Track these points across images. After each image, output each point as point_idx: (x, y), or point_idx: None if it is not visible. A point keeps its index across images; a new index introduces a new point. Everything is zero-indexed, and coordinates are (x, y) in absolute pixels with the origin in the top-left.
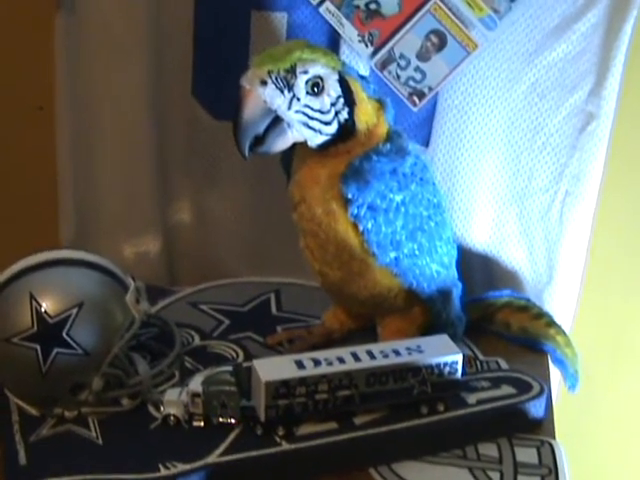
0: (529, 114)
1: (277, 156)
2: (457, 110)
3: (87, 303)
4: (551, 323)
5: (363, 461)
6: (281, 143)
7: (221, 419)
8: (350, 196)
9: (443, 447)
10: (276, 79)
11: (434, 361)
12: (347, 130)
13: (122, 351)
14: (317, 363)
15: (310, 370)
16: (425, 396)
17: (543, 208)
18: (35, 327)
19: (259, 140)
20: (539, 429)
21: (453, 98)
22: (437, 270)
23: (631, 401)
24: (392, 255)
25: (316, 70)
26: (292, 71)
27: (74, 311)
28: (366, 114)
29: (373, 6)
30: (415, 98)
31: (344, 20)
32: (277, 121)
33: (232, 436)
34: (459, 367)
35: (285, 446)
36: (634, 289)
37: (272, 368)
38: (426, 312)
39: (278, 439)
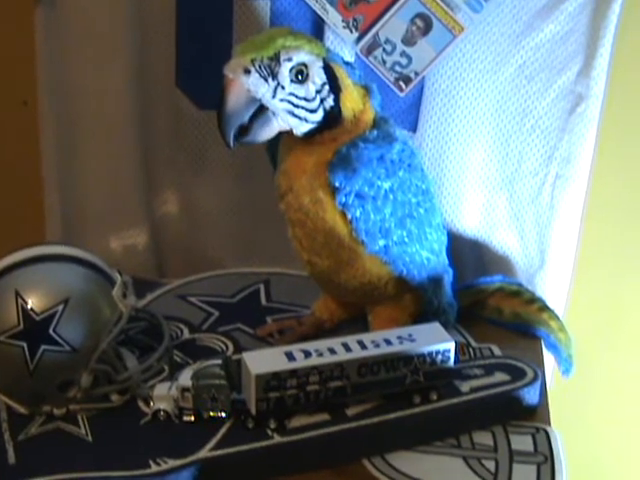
0: (517, 97)
1: (263, 146)
2: (444, 94)
3: (73, 299)
4: (544, 308)
5: (356, 452)
6: (266, 132)
7: (211, 413)
8: (337, 184)
9: (437, 436)
10: (260, 67)
11: (426, 350)
12: (333, 117)
13: (110, 346)
14: (308, 354)
15: (301, 362)
16: (418, 385)
17: (533, 192)
18: (21, 324)
19: (244, 130)
20: (534, 416)
21: (440, 82)
22: (427, 257)
23: (626, 385)
24: (381, 243)
25: (300, 57)
26: (276, 59)
27: (60, 307)
28: (352, 101)
29: None
30: (401, 83)
31: (328, 6)
32: (262, 110)
33: (223, 430)
34: (451, 355)
35: (277, 439)
36: (626, 271)
37: (262, 360)
38: (417, 300)
39: (270, 432)
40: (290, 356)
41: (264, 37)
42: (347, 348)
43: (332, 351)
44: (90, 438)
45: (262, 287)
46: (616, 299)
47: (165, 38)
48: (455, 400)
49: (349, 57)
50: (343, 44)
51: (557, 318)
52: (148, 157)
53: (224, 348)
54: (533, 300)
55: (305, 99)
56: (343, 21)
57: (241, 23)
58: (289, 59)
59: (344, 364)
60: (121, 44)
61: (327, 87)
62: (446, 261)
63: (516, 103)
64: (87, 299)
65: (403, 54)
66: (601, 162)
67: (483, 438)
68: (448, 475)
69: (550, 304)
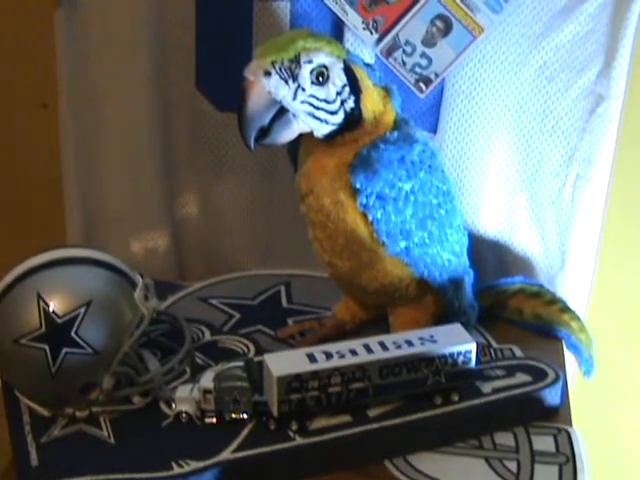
0: (538, 97)
1: (284, 147)
2: (464, 96)
3: (95, 301)
4: (565, 309)
5: (378, 454)
6: (287, 134)
7: (233, 415)
8: (358, 186)
9: (459, 437)
10: (280, 69)
11: (447, 351)
12: (354, 119)
13: (132, 349)
14: (329, 356)
15: (322, 363)
16: (439, 386)
17: (554, 192)
18: (43, 327)
19: (265, 131)
20: (555, 417)
21: (460, 84)
22: (448, 258)
23: None
24: (402, 244)
25: (320, 59)
26: (296, 61)
27: (82, 310)
28: (372, 102)
29: None
30: (422, 84)
31: (347, 7)
32: (282, 112)
33: (245, 432)
34: (473, 356)
35: (299, 441)
36: None
37: (284, 362)
38: (438, 301)
39: (292, 434)
40: (312, 358)
41: (284, 39)
42: (368, 349)
43: (354, 352)
44: (112, 440)
45: (283, 289)
46: (637, 299)
47: (185, 40)
48: (477, 401)
49: (369, 59)
50: (363, 45)
51: (578, 319)
52: (168, 159)
53: (245, 350)
54: (554, 301)
55: (326, 101)
56: (363, 22)
57: (261, 25)
58: (309, 61)
59: (366, 365)
60: (141, 46)
61: (347, 89)
62: (467, 262)
63: (536, 104)
64: (109, 302)
65: (423, 55)
66: (621, 162)
67: (505, 439)
68: (470, 476)
69: (571, 305)
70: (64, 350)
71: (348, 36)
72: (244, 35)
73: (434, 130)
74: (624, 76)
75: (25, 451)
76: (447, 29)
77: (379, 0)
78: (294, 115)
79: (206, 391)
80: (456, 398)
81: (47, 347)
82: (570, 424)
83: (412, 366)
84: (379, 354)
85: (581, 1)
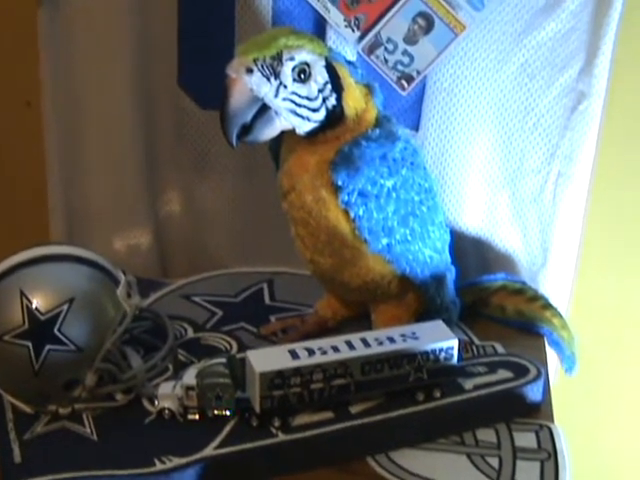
0: (519, 95)
1: (265, 145)
2: (446, 93)
3: (78, 298)
4: (547, 305)
5: (360, 450)
6: (269, 131)
7: (216, 412)
8: (340, 183)
9: (441, 434)
10: (262, 67)
11: (429, 347)
12: (335, 116)
13: (115, 346)
14: (311, 352)
15: (304, 360)
16: (421, 383)
17: (536, 190)
18: (26, 324)
19: (247, 129)
20: (537, 413)
21: (442, 81)
22: (430, 255)
23: (629, 382)
24: (384, 241)
25: (302, 57)
26: (278, 58)
27: (65, 307)
28: (354, 99)
29: None
30: (404, 82)
31: (330, 5)
32: (264, 109)
33: (227, 428)
34: (455, 353)
35: (281, 437)
36: (629, 269)
37: (266, 359)
38: (420, 298)
39: (274, 430)
40: (294, 354)
41: (266, 36)
42: (351, 346)
43: (336, 349)
44: (95, 437)
45: (266, 286)
46: (619, 296)
47: (167, 37)
48: (458, 397)
49: (351, 56)
50: (345, 43)
51: (560, 316)
52: (151, 157)
53: (228, 347)
54: (536, 298)
55: (307, 98)
56: (345, 20)
57: (243, 23)
58: (291, 58)
59: (348, 362)
60: (124, 44)
61: (329, 86)
62: (449, 259)
63: (518, 101)
64: (92, 299)
65: (405, 53)
66: (603, 160)
67: (486, 435)
68: (452, 472)
69: (553, 302)
70: (47, 347)
71: (330, 34)
72: (226, 33)
73: (416, 127)
74: (605, 74)
75: (8, 448)
76: (429, 27)
77: None
78: (276, 112)
79: (188, 388)
80: (438, 394)
81: (30, 344)
82: (552, 420)
83: (394, 362)
84: (361, 350)
85: None
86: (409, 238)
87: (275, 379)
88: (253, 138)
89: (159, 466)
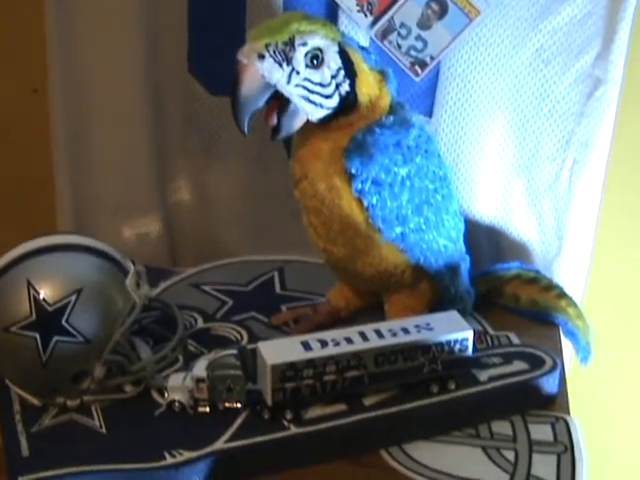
0: (534, 81)
1: None
2: (460, 79)
3: (86, 289)
4: (562, 295)
5: (374, 443)
6: (296, 122)
7: (227, 404)
8: (354, 171)
9: (455, 426)
10: (274, 52)
11: (444, 338)
12: (349, 103)
13: (124, 337)
14: (324, 344)
15: (317, 351)
16: (435, 374)
17: (551, 177)
18: (34, 315)
19: (275, 129)
20: (553, 405)
21: (456, 67)
22: (444, 244)
23: None
24: (398, 230)
25: (315, 42)
26: (290, 44)
27: (73, 298)
28: (368, 86)
29: None
30: (417, 68)
31: None
32: (285, 104)
33: (239, 421)
34: (469, 344)
35: (293, 430)
36: None
37: (278, 350)
38: (434, 287)
39: (286, 423)
40: (306, 346)
41: (278, 22)
42: (364, 337)
43: (349, 340)
44: (104, 430)
45: (276, 275)
46: (634, 285)
47: (177, 23)
48: (473, 389)
49: (364, 42)
50: (357, 28)
51: (575, 305)
52: (160, 144)
53: (239, 337)
54: (551, 287)
55: (320, 84)
56: (357, 5)
57: (254, 8)
58: (304, 44)
59: (361, 354)
60: (132, 30)
61: (342, 72)
62: (463, 248)
63: (533, 87)
64: (100, 289)
65: (418, 38)
66: (619, 146)
67: (502, 428)
68: (467, 465)
69: (568, 291)
70: (55, 338)
71: (342, 19)
72: (237, 18)
73: (429, 114)
74: (622, 59)
75: (16, 441)
76: (443, 11)
77: None
78: (289, 100)
79: (199, 380)
80: (453, 386)
81: (38, 335)
82: (568, 412)
83: (408, 354)
84: (375, 342)
85: None
86: (423, 227)
87: (287, 371)
88: (286, 133)
89: (169, 460)
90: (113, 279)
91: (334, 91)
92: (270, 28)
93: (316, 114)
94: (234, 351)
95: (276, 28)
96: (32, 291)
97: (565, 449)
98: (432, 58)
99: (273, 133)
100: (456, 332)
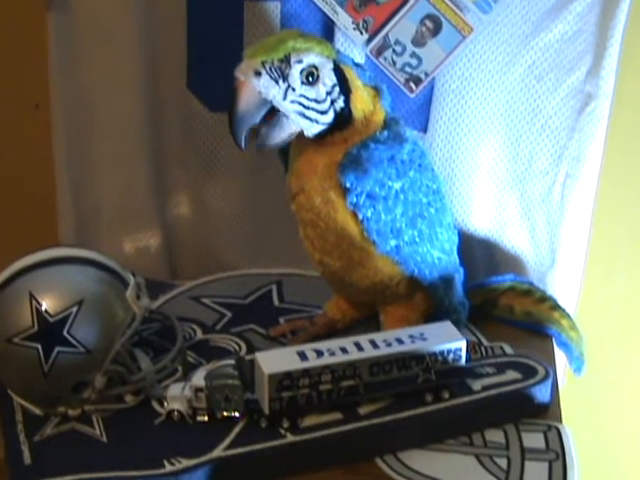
0: (527, 97)
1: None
2: (454, 95)
3: (87, 301)
4: (555, 306)
5: (369, 451)
6: (278, 135)
7: (225, 413)
8: (348, 185)
9: (449, 435)
10: (270, 69)
11: (438, 348)
12: (344, 118)
13: (124, 348)
14: (320, 354)
15: (313, 361)
16: (430, 384)
17: (544, 191)
18: (36, 326)
19: (256, 134)
20: (545, 414)
21: (450, 83)
22: (438, 257)
23: (637, 382)
24: (392, 243)
25: (310, 59)
26: (286, 61)
27: (74, 309)
28: (362, 102)
29: None
30: (412, 84)
31: (338, 8)
32: (272, 113)
33: (236, 430)
34: (463, 354)
35: (290, 438)
36: (637, 270)
37: (275, 360)
38: (428, 299)
39: (283, 431)
40: (303, 356)
41: (274, 39)
42: (359, 347)
43: (344, 350)
44: (105, 439)
45: (274, 288)
46: (627, 297)
47: (176, 40)
48: (467, 398)
49: (359, 58)
50: (353, 46)
51: (568, 316)
52: (160, 159)
53: (237, 348)
54: (544, 299)
55: (316, 101)
56: (353, 23)
57: (251, 25)
58: (299, 61)
59: (356, 363)
60: (132, 46)
61: (337, 88)
62: (457, 260)
63: (526, 103)
64: (101, 301)
65: (413, 55)
66: (610, 161)
67: (495, 436)
68: (461, 473)
69: (561, 303)
70: (56, 349)
71: (338, 36)
72: (235, 35)
73: (424, 129)
74: (613, 75)
75: (18, 450)
76: (437, 29)
77: (369, 0)
78: (285, 116)
79: (198, 389)
80: (446, 395)
81: (39, 346)
82: (560, 421)
83: (402, 364)
84: (369, 352)
85: (569, 1)
86: (417, 239)
87: (284, 380)
88: (261, 142)
89: (168, 467)
90: (114, 291)
91: (329, 107)
92: (266, 46)
93: (312, 130)
94: (232, 361)
95: (272, 46)
96: (34, 303)
97: (557, 456)
98: (426, 74)
99: (251, 137)
100: (449, 342)
